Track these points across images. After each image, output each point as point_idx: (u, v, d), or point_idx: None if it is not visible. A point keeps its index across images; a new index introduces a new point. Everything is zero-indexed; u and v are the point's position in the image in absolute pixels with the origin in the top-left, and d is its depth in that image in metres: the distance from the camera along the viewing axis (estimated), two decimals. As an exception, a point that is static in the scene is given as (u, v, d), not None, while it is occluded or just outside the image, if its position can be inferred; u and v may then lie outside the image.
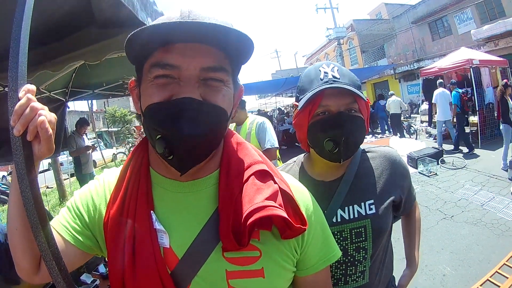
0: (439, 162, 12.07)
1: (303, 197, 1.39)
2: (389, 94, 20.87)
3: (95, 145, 10.66)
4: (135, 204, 1.23)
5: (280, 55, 55.75)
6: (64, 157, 15.43)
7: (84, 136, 10.35)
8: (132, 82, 1.31)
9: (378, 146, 2.09)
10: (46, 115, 1.13)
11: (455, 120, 14.17)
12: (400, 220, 2.27)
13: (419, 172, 11.55)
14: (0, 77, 3.89)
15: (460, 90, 14.53)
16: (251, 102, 46.25)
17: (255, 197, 1.18)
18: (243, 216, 1.14)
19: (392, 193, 1.93)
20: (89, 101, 10.79)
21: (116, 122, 44.48)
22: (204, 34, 1.08)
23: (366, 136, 1.88)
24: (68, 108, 9.58)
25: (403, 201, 2.01)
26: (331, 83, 1.72)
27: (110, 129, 48.90)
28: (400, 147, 14.53)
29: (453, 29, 25.78)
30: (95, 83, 8.25)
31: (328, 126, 1.75)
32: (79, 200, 1.38)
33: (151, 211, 1.23)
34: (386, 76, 34.06)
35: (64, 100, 8.92)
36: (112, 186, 1.33)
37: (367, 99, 1.83)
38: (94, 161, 11.95)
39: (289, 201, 1.25)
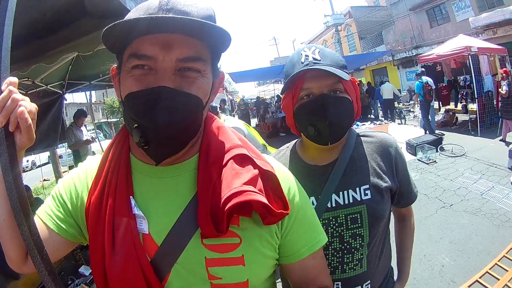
0: (438, 150, 12.05)
1: (287, 180, 1.37)
2: (383, 81, 21.76)
3: (95, 137, 10.51)
4: (114, 189, 1.23)
5: (278, 43, 55.57)
6: (63, 150, 15.39)
7: (83, 128, 10.19)
8: (113, 69, 1.30)
9: (375, 131, 2.06)
10: (26, 106, 1.14)
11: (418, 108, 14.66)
12: (393, 224, 2.20)
13: (418, 159, 11.55)
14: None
15: (424, 80, 14.73)
16: (250, 89, 46.83)
17: (233, 182, 1.16)
18: (221, 202, 1.13)
19: (388, 179, 1.88)
20: (87, 93, 10.69)
21: (115, 112, 44.49)
22: (181, 26, 1.07)
23: (364, 123, 1.85)
24: (66, 100, 9.58)
25: (398, 192, 1.96)
26: (311, 66, 1.70)
27: (109, 120, 48.97)
28: (398, 133, 14.61)
29: (451, 17, 25.73)
30: (91, 74, 8.26)
31: (312, 110, 1.74)
32: (63, 188, 1.38)
33: (130, 197, 1.23)
34: (384, 63, 33.99)
35: (61, 92, 8.94)
36: (94, 172, 1.32)
37: (352, 79, 1.79)
38: (93, 152, 11.88)
39: (271, 184, 1.24)
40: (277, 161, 1.46)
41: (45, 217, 1.32)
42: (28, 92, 7.50)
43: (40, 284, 5.65)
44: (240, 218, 1.21)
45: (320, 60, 1.73)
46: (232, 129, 1.41)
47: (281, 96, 2.03)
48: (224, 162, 1.23)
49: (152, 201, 1.24)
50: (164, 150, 1.16)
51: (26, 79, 6.51)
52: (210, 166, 1.22)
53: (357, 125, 13.25)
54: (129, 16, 1.15)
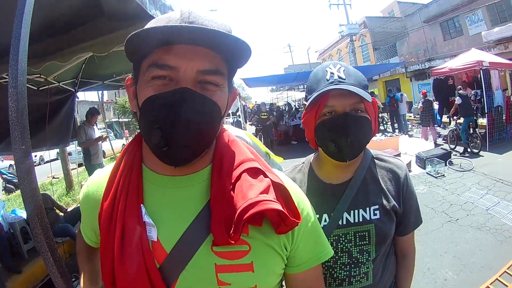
0: (447, 164, 12.01)
1: (296, 193, 1.37)
2: (390, 94, 21.91)
3: (106, 135, 10.50)
4: (125, 198, 1.23)
5: (293, 50, 55.51)
6: (73, 147, 15.41)
7: (95, 126, 10.19)
8: (128, 79, 1.31)
9: (389, 156, 2.09)
10: None
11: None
12: (395, 257, 2.15)
13: (427, 173, 11.51)
14: (4, 68, 3.91)
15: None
16: (264, 94, 46.03)
17: (248, 193, 1.16)
18: (238, 212, 1.13)
19: (395, 202, 1.92)
20: (99, 92, 10.69)
21: (127, 113, 44.43)
22: (203, 38, 1.09)
23: (376, 135, 1.87)
24: (78, 98, 9.59)
25: (399, 217, 1.97)
26: (336, 84, 1.73)
27: (120, 120, 48.89)
28: (409, 146, 14.56)
29: (464, 30, 25.62)
30: (105, 74, 8.27)
31: (333, 126, 1.76)
32: (81, 206, 1.48)
33: (141, 205, 1.23)
34: (397, 74, 33.63)
35: (74, 90, 8.96)
36: (104, 183, 1.33)
37: (373, 99, 1.81)
38: (103, 151, 11.88)
39: (282, 194, 1.24)
40: (286, 176, 1.46)
41: (86, 239, 1.55)
42: (40, 89, 7.60)
43: (42, 280, 5.64)
44: (249, 227, 1.22)
45: (345, 79, 1.75)
46: (244, 143, 1.42)
47: (292, 104, 2.04)
48: (237, 174, 1.24)
49: (162, 210, 1.24)
50: (183, 152, 1.15)
51: (39, 75, 6.55)
52: (224, 177, 1.23)
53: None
54: (150, 26, 1.14)
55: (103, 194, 1.30)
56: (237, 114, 29.69)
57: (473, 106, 15.72)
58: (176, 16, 1.15)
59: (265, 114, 22.88)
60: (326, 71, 1.81)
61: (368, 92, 1.80)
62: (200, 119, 1.13)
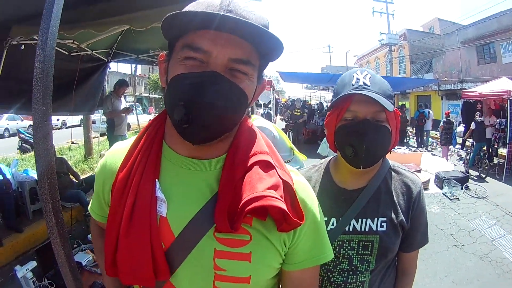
0: (463, 188, 11.85)
1: (304, 193, 1.36)
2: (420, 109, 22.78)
3: (132, 108, 10.45)
4: (142, 171, 1.24)
5: (332, 51, 55.31)
6: (98, 116, 15.50)
7: (122, 98, 10.12)
8: (162, 55, 1.31)
9: (407, 169, 2.05)
10: None
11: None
12: (396, 272, 2.11)
13: (443, 193, 11.42)
14: (36, 30, 3.94)
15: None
16: (298, 90, 45.79)
17: (257, 186, 1.16)
18: (242, 202, 1.14)
19: (403, 218, 1.88)
20: (133, 65, 10.68)
21: (158, 89, 44.70)
22: (240, 28, 1.10)
23: (400, 147, 1.85)
24: (109, 68, 9.65)
25: (406, 233, 1.94)
26: (360, 90, 1.73)
27: (151, 95, 49.20)
28: (430, 164, 14.46)
29: (498, 57, 25.16)
30: (140, 48, 8.32)
31: (352, 131, 1.76)
32: (97, 180, 1.46)
33: (156, 180, 1.24)
34: (430, 91, 32.99)
35: (106, 60, 9.03)
36: (123, 155, 1.34)
37: (395, 109, 1.80)
38: (128, 124, 11.85)
39: (288, 193, 1.23)
40: (299, 174, 1.45)
41: (93, 214, 1.56)
42: (71, 54, 7.64)
43: (42, 243, 5.68)
44: (253, 219, 1.22)
45: (369, 86, 1.75)
46: (262, 132, 1.42)
47: (324, 104, 2.02)
48: (249, 165, 1.24)
49: (175, 189, 1.25)
50: (202, 131, 1.16)
51: (72, 41, 6.61)
52: (235, 167, 1.24)
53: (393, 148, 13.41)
54: (189, 9, 1.14)
55: (120, 166, 1.31)
56: (269, 106, 29.59)
57: (495, 134, 15.72)
58: (216, 2, 1.15)
59: (299, 111, 22.41)
60: (353, 76, 1.81)
61: (392, 103, 1.80)
62: (224, 103, 1.13)
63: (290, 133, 21.67)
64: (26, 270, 4.43)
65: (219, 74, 1.11)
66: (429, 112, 22.54)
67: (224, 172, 1.24)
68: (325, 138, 2.12)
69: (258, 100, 27.87)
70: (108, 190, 1.36)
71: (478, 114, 16.11)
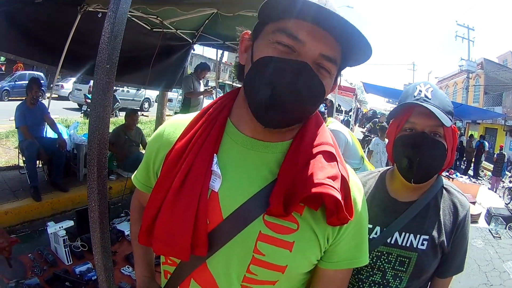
0: (507, 228, 11.37)
1: (357, 193, 1.34)
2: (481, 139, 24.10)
3: (213, 91, 10.51)
4: (201, 143, 1.23)
5: (416, 69, 54.59)
6: (175, 95, 15.71)
7: (201, 81, 10.04)
8: (247, 33, 1.31)
9: (458, 190, 1.96)
10: None
11: None
12: None
13: (489, 230, 10.94)
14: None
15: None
16: (380, 103, 45.53)
17: (318, 173, 1.15)
18: (301, 187, 1.13)
19: (445, 239, 1.81)
20: (219, 51, 10.78)
21: (242, 79, 45.43)
22: (335, 26, 1.09)
23: (461, 176, 1.79)
24: (194, 50, 9.79)
25: (443, 256, 1.86)
26: (421, 102, 1.72)
27: (234, 84, 49.79)
28: (485, 199, 14.00)
29: None
30: (228, 34, 8.36)
31: (407, 143, 1.75)
32: (150, 143, 1.47)
33: (214, 154, 1.23)
34: (497, 125, 32.12)
35: (191, 42, 9.17)
36: (183, 126, 1.33)
37: (453, 126, 1.78)
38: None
39: (344, 188, 1.21)
40: (355, 174, 1.43)
41: (136, 183, 1.54)
42: (153, 30, 7.81)
43: (86, 205, 5.85)
44: (305, 208, 1.20)
45: (430, 99, 1.73)
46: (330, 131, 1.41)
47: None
48: (314, 153, 1.23)
49: (232, 167, 1.24)
50: (281, 116, 1.15)
51: (155, 17, 6.73)
52: (299, 153, 1.23)
53: (456, 175, 13.71)
54: None
55: (179, 136, 1.31)
56: (349, 114, 29.24)
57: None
58: None
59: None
60: (416, 88, 1.81)
61: (451, 119, 1.76)
62: (309, 94, 1.14)
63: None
64: (60, 227, 4.51)
65: (310, 67, 1.10)
66: (486, 143, 23.90)
67: (288, 156, 1.23)
68: None
69: (339, 106, 27.38)
70: (161, 158, 1.34)
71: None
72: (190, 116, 1.36)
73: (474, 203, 12.28)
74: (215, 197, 1.19)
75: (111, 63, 1.26)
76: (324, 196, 1.12)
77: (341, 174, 1.21)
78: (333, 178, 1.16)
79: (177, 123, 1.41)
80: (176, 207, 1.16)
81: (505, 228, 10.83)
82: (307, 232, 1.21)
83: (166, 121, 1.51)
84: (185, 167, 1.19)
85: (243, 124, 1.29)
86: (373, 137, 15.97)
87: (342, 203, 1.14)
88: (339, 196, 1.13)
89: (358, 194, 1.34)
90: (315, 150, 1.23)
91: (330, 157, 1.24)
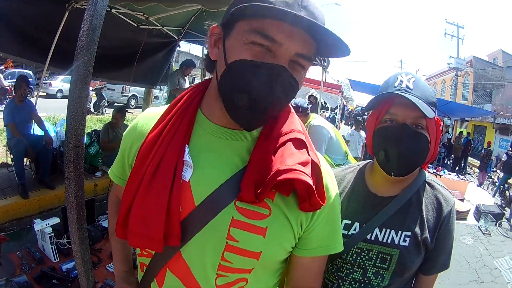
0: (497, 225, 11.51)
1: (329, 180, 1.36)
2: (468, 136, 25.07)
3: None
4: (173, 134, 1.24)
5: (403, 67, 55.05)
6: (161, 93, 15.69)
7: (187, 78, 9.99)
8: (215, 27, 1.28)
9: (442, 185, 1.90)
10: None
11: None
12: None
13: (478, 227, 11.07)
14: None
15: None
16: (366, 100, 46.34)
17: (287, 160, 1.17)
18: (271, 173, 1.14)
19: (428, 236, 1.75)
20: (205, 48, 10.77)
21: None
22: (313, 28, 1.08)
23: (449, 173, 1.74)
24: (179, 47, 9.80)
25: (428, 253, 1.81)
26: (402, 92, 1.66)
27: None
28: (474, 196, 14.21)
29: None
30: (212, 31, 8.31)
31: (387, 135, 1.70)
32: (124, 138, 1.47)
33: (186, 145, 1.24)
34: (486, 122, 32.45)
35: (177, 38, 9.16)
36: (155, 119, 1.34)
37: (436, 118, 1.73)
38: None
39: (315, 174, 1.22)
40: (326, 162, 1.43)
41: (113, 177, 1.54)
42: (139, 26, 7.80)
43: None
44: (276, 194, 1.22)
45: (412, 90, 1.67)
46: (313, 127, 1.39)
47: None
48: (283, 140, 1.24)
49: (203, 156, 1.25)
50: (257, 117, 1.17)
51: (141, 14, 6.73)
52: (270, 140, 1.24)
53: (444, 172, 14.06)
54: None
55: (151, 128, 1.31)
56: (335, 111, 29.36)
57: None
58: None
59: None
60: (397, 77, 1.75)
61: (434, 110, 1.71)
62: (285, 96, 1.16)
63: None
64: (46, 224, 4.47)
65: (286, 69, 1.12)
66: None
67: (258, 144, 1.25)
68: None
69: (325, 103, 27.42)
70: (135, 151, 1.34)
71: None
72: (163, 109, 1.36)
73: (462, 200, 12.42)
74: (187, 186, 1.20)
75: (88, 55, 1.27)
76: (295, 181, 1.13)
77: (312, 160, 1.22)
78: (304, 164, 1.17)
79: (150, 116, 1.41)
80: (148, 198, 1.16)
81: (495, 225, 11.01)
82: (279, 217, 1.22)
83: (139, 114, 1.52)
84: (156, 158, 1.20)
85: (213, 114, 1.30)
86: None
87: (314, 188, 1.15)
88: (310, 181, 1.14)
89: (330, 181, 1.36)
90: (285, 138, 1.25)
91: (300, 144, 1.25)
